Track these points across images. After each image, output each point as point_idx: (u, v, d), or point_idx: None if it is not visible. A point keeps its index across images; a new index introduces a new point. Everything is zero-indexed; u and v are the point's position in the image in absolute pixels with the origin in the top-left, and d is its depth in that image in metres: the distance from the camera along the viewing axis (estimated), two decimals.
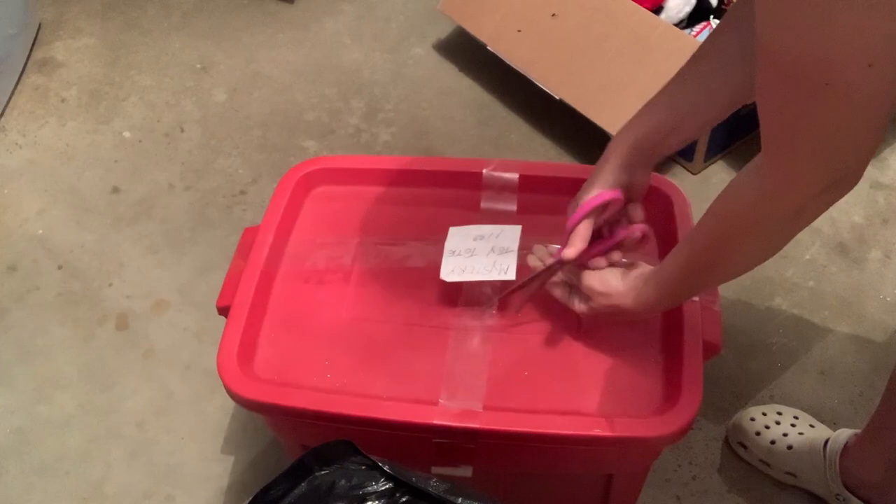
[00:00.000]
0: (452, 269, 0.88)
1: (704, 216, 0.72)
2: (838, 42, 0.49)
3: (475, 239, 0.91)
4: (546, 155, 1.56)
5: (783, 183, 0.62)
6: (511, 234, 0.90)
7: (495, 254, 0.89)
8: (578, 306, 0.85)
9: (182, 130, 1.67)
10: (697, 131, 0.84)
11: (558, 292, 0.86)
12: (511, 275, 0.86)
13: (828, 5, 0.47)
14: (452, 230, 0.93)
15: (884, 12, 0.46)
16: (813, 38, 0.50)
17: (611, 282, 0.82)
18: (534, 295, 0.89)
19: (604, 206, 0.82)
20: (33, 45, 1.85)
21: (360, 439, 0.73)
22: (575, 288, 0.85)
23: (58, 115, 1.72)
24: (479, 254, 0.89)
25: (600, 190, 0.82)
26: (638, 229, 0.84)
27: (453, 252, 0.90)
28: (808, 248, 1.40)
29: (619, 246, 0.85)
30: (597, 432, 0.78)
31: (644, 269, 0.82)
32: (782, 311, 1.31)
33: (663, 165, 1.51)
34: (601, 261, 0.84)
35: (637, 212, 0.85)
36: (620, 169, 0.82)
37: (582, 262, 0.84)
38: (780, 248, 0.70)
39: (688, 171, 1.52)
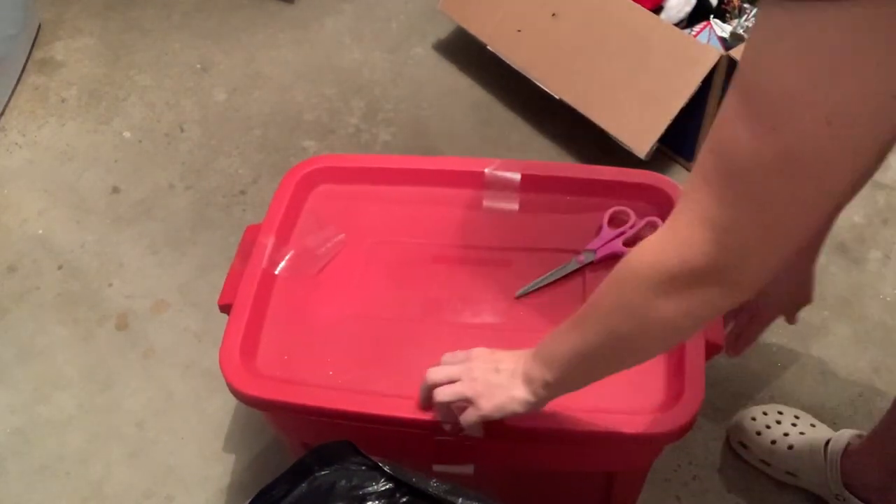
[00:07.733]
0: None
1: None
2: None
3: None
4: (546, 155, 1.56)
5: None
6: None
7: None
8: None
9: (182, 130, 1.67)
10: None
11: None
12: None
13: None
14: None
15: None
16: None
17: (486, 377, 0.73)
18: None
19: None
20: (33, 45, 1.85)
21: (362, 436, 0.73)
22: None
23: (58, 115, 1.72)
24: None
25: None
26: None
27: None
28: None
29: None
30: (598, 430, 0.78)
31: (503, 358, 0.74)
32: None
33: (663, 165, 1.51)
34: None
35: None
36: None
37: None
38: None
39: (687, 170, 1.52)
